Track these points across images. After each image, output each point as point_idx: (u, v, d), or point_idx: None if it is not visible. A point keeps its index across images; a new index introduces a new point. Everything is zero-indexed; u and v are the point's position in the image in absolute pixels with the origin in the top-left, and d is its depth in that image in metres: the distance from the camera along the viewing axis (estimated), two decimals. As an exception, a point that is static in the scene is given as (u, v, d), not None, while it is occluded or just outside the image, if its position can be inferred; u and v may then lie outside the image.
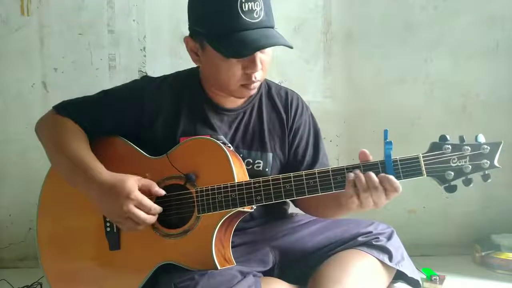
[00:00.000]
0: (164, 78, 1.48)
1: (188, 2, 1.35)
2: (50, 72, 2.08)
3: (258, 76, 1.32)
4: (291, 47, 1.28)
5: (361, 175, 1.18)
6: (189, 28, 1.36)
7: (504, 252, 1.94)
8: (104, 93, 1.46)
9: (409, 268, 1.39)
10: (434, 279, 1.73)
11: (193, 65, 1.46)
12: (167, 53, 2.10)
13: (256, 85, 1.35)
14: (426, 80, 2.17)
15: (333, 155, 2.14)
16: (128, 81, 1.52)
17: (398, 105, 2.16)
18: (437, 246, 2.14)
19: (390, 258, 1.36)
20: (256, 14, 1.26)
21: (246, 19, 1.25)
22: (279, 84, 1.57)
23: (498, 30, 2.14)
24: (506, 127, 2.15)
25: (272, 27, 1.31)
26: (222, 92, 1.40)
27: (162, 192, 1.30)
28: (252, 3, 1.25)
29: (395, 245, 1.40)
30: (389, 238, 1.41)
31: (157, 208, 1.28)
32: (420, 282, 1.42)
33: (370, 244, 1.38)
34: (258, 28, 1.26)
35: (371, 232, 1.41)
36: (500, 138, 2.07)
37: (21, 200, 2.08)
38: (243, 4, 1.24)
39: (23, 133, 2.08)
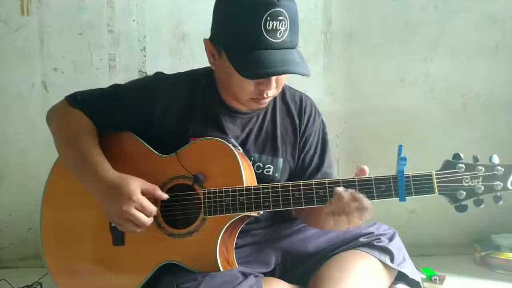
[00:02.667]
0: (178, 76, 1.46)
1: (215, 5, 1.31)
2: (50, 72, 2.08)
3: (271, 93, 1.31)
4: (307, 75, 1.24)
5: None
6: (211, 31, 1.33)
7: (504, 252, 1.94)
8: (117, 88, 1.45)
9: (410, 269, 1.39)
10: (434, 279, 1.73)
11: (194, 65, 1.46)
12: (167, 53, 2.10)
13: (267, 100, 1.34)
14: (426, 80, 2.17)
15: (333, 155, 2.14)
16: (127, 81, 1.51)
17: (398, 105, 2.16)
18: (437, 246, 2.14)
19: (392, 259, 1.36)
20: (280, 34, 1.22)
21: (268, 38, 1.21)
22: (291, 87, 1.54)
23: (498, 30, 2.14)
24: (506, 127, 2.16)
25: (293, 48, 1.26)
26: (233, 99, 1.39)
27: (165, 196, 1.30)
28: (277, 22, 1.21)
29: (397, 246, 1.40)
30: (390, 239, 1.41)
31: (156, 211, 1.28)
32: (421, 283, 1.42)
33: (372, 244, 1.38)
34: (278, 49, 1.22)
35: (372, 233, 1.41)
36: (500, 138, 2.10)
37: (21, 200, 2.08)
38: (268, 22, 1.20)
39: (23, 133, 2.08)
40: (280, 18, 1.21)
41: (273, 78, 1.27)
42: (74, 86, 1.91)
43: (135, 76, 2.07)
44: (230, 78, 1.29)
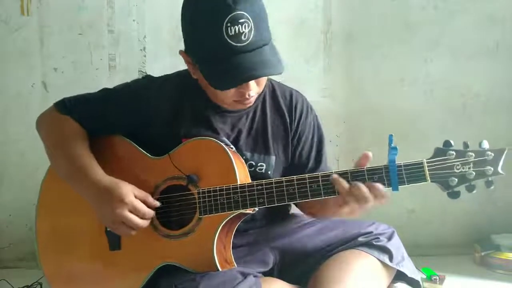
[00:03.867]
0: (166, 78, 1.46)
1: (181, 20, 1.30)
2: (50, 72, 2.08)
3: (253, 93, 1.29)
4: (279, 73, 1.23)
5: (350, 187, 1.19)
6: (184, 42, 1.32)
7: (504, 252, 1.94)
8: (106, 92, 1.44)
9: (409, 268, 1.39)
10: (434, 279, 1.73)
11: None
12: (167, 53, 2.10)
13: (251, 99, 1.33)
14: (426, 80, 2.17)
15: (333, 155, 2.14)
16: (127, 81, 1.51)
17: (398, 105, 2.16)
18: (437, 246, 2.14)
19: (391, 258, 1.36)
20: (244, 37, 1.18)
21: (233, 43, 1.18)
22: (281, 83, 1.53)
23: (498, 30, 2.14)
24: (506, 127, 2.16)
25: (265, 44, 1.23)
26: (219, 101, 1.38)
27: (157, 203, 1.30)
28: (239, 26, 1.17)
29: (396, 245, 1.40)
30: (389, 238, 1.41)
31: (151, 213, 1.28)
32: (420, 282, 1.42)
33: (371, 244, 1.38)
34: (247, 52, 1.19)
35: (371, 232, 1.41)
36: (500, 138, 2.10)
37: (21, 200, 2.08)
38: (229, 28, 1.17)
39: (23, 133, 2.08)
40: (241, 20, 1.17)
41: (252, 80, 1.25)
42: (74, 86, 1.93)
43: (135, 76, 2.07)
44: (209, 86, 1.28)
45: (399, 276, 1.40)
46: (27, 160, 2.09)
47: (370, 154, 1.22)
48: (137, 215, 1.25)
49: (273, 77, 1.48)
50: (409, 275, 1.38)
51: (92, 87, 1.49)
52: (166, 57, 2.10)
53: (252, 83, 1.26)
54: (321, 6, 2.14)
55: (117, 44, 2.09)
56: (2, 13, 2.05)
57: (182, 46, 2.05)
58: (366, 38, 2.15)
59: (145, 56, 2.11)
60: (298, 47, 2.13)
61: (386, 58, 2.15)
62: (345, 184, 1.20)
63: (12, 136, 2.10)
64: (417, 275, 1.41)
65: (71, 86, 2.04)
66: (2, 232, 2.12)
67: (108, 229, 1.34)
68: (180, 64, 1.59)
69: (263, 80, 1.32)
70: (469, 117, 2.17)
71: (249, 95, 1.29)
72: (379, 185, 1.18)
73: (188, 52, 1.30)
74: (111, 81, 2.03)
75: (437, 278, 1.73)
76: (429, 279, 1.74)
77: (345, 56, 2.17)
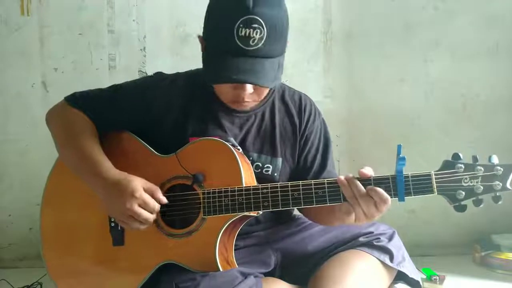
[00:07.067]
0: (176, 76, 1.46)
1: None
2: (50, 72, 2.08)
3: (249, 98, 1.30)
4: (265, 86, 1.25)
5: (346, 184, 1.19)
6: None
7: (504, 252, 1.94)
8: (116, 88, 1.45)
9: (409, 269, 1.40)
10: (434, 279, 1.73)
11: (194, 65, 1.46)
12: (167, 53, 2.10)
13: (247, 104, 1.33)
14: (426, 80, 2.17)
15: (333, 156, 2.14)
16: (127, 81, 1.51)
17: (398, 105, 2.16)
18: (437, 246, 2.14)
19: (391, 259, 1.36)
20: (253, 42, 1.20)
21: (240, 44, 1.20)
22: (291, 87, 1.53)
23: (498, 30, 2.14)
24: (506, 127, 2.16)
25: (271, 57, 1.24)
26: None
27: (165, 200, 1.29)
28: (251, 30, 1.19)
29: (396, 245, 1.40)
30: (390, 238, 1.41)
31: (159, 207, 1.27)
32: (421, 283, 1.42)
33: (371, 244, 1.38)
34: (250, 57, 1.21)
35: (372, 232, 1.42)
36: (500, 138, 2.10)
37: (21, 200, 2.08)
38: (240, 29, 1.19)
39: (23, 133, 2.08)
40: (254, 26, 1.19)
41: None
42: (74, 86, 1.92)
43: (135, 76, 2.07)
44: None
45: (400, 276, 1.40)
46: (27, 160, 2.09)
47: (365, 170, 1.21)
48: (146, 209, 1.25)
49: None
50: (409, 275, 1.38)
51: (92, 87, 1.49)
52: (166, 57, 2.10)
53: (248, 87, 1.26)
54: (321, 6, 2.14)
55: (117, 44, 2.09)
56: (2, 13, 2.05)
57: (182, 46, 2.10)
58: (366, 38, 2.15)
59: (145, 56, 2.11)
60: (298, 47, 2.13)
61: (386, 58, 2.15)
62: (349, 189, 1.19)
63: (12, 136, 2.10)
64: (418, 276, 1.42)
65: (71, 86, 2.00)
66: (2, 232, 2.12)
67: (112, 225, 1.34)
68: (180, 64, 1.59)
69: (262, 90, 1.32)
70: (469, 117, 2.17)
71: (243, 100, 1.30)
72: (379, 189, 1.17)
73: (203, 37, 1.32)
74: (111, 81, 2.01)
75: (437, 278, 1.73)
76: (429, 279, 1.74)
77: (345, 56, 2.17)
